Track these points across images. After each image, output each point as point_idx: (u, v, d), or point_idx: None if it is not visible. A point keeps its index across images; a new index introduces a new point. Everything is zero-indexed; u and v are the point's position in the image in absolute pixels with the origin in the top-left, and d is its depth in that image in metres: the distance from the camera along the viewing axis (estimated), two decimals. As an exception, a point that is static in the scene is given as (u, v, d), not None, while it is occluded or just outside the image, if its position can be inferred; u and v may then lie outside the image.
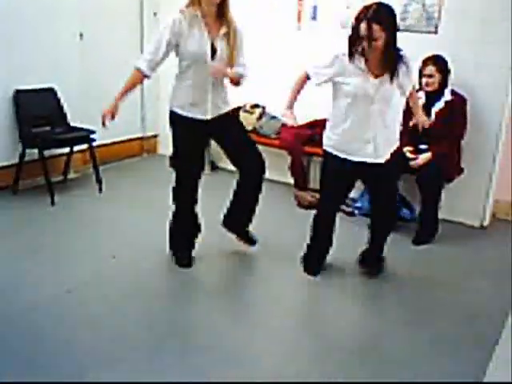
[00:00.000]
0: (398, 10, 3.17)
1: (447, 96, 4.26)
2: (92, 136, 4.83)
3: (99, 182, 4.99)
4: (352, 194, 4.28)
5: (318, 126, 4.94)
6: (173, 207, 3.63)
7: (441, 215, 4.41)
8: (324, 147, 3.45)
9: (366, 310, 3.35)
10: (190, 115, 3.40)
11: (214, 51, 3.29)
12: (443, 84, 4.26)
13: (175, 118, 3.46)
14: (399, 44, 3.16)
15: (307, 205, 4.82)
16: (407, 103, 3.52)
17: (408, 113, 3.62)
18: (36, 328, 2.89)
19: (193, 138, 3.48)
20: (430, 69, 4.21)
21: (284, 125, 5.06)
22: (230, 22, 3.32)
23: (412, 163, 4.21)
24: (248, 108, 5.36)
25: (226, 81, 3.46)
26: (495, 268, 3.97)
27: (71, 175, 5.28)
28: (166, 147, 4.57)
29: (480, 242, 4.46)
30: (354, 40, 3.10)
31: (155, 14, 5.83)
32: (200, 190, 3.64)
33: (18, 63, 4.70)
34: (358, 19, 3.05)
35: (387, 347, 2.94)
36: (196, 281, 3.56)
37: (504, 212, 4.90)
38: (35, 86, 4.79)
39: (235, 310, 3.25)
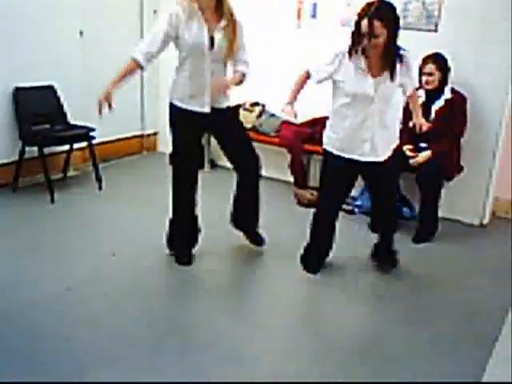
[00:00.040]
0: (398, 8, 3.16)
1: (447, 94, 4.26)
2: (92, 134, 4.82)
3: (99, 179, 4.99)
4: (352, 193, 4.28)
5: (318, 124, 4.94)
6: (172, 205, 3.63)
7: (441, 213, 4.41)
8: (324, 146, 3.46)
9: (366, 309, 3.35)
10: (188, 108, 3.40)
11: (212, 43, 3.29)
12: (443, 82, 4.26)
13: (175, 111, 3.46)
14: (399, 42, 3.16)
15: (307, 203, 4.81)
16: (407, 104, 3.53)
17: (408, 111, 3.62)
18: (36, 326, 2.89)
19: (191, 132, 3.49)
20: (430, 67, 4.21)
21: (284, 122, 5.06)
22: (230, 15, 3.30)
23: (412, 161, 4.21)
24: (248, 106, 5.35)
25: (227, 74, 3.47)
26: (495, 266, 3.97)
27: (71, 173, 5.28)
28: (166, 145, 4.57)
29: (480, 240, 4.46)
30: (356, 37, 3.10)
31: (155, 11, 5.81)
32: (200, 188, 3.64)
33: (19, 60, 4.69)
34: (360, 16, 3.06)
35: (387, 346, 2.94)
36: (196, 279, 3.56)
37: (504, 210, 4.90)
38: (35, 84, 4.79)
39: (235, 308, 3.25)
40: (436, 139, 4.17)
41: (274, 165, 5.44)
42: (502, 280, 3.73)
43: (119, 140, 5.92)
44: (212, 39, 3.28)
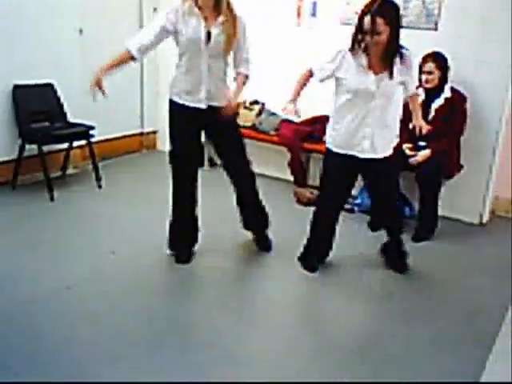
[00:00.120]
0: (398, 7, 3.17)
1: (447, 93, 4.26)
2: (91, 132, 4.82)
3: (98, 178, 4.98)
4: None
5: (318, 122, 4.95)
6: (172, 204, 3.62)
7: (440, 212, 4.41)
8: (326, 145, 3.47)
9: (366, 308, 3.35)
10: (186, 103, 3.40)
11: (209, 38, 3.28)
12: (443, 81, 4.25)
13: (174, 108, 3.47)
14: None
15: (306, 201, 4.81)
16: (407, 103, 3.53)
17: (408, 111, 3.62)
18: (35, 324, 2.89)
19: (190, 130, 3.50)
20: (430, 66, 4.20)
21: (283, 121, 5.05)
22: (229, 10, 3.30)
23: (411, 160, 4.21)
24: (247, 104, 5.35)
25: (227, 73, 3.47)
26: (495, 265, 3.97)
27: (70, 171, 5.28)
28: (166, 143, 4.56)
29: (479, 239, 4.46)
30: (358, 34, 3.11)
31: (155, 9, 5.80)
32: (199, 187, 3.63)
33: (19, 59, 4.69)
34: (363, 13, 3.08)
35: (387, 345, 2.94)
36: (195, 277, 3.56)
37: (503, 209, 4.90)
38: (34, 82, 4.78)
39: (235, 306, 3.25)
40: (436, 138, 4.17)
41: (273, 163, 5.44)
42: (502, 279, 3.73)
43: (119, 138, 5.91)
44: (209, 34, 3.28)
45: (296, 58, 4.90)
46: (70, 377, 2.52)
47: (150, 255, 3.72)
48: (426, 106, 4.17)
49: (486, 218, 4.74)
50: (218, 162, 5.71)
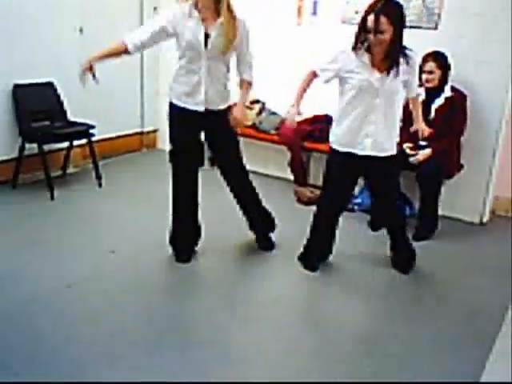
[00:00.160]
0: (399, 6, 3.17)
1: (447, 92, 4.26)
2: (91, 131, 4.82)
3: (99, 176, 4.98)
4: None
5: (318, 121, 4.95)
6: (172, 203, 3.62)
7: (440, 211, 4.41)
8: (330, 144, 3.47)
9: (366, 307, 3.35)
10: (185, 106, 3.41)
11: (207, 40, 3.29)
12: (443, 80, 4.25)
13: (174, 111, 3.48)
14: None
15: (307, 200, 4.81)
16: (407, 103, 3.53)
17: (408, 111, 3.62)
18: (35, 324, 2.89)
19: (189, 132, 3.50)
20: (430, 65, 4.20)
21: (284, 120, 5.05)
22: (229, 12, 3.29)
23: (412, 159, 4.21)
24: (248, 103, 5.34)
25: (228, 76, 3.47)
26: (495, 264, 3.97)
27: (71, 170, 5.28)
28: (166, 142, 4.56)
29: (479, 238, 4.47)
30: (361, 33, 3.11)
31: (155, 8, 5.81)
32: (199, 186, 3.63)
33: (19, 58, 4.68)
34: (367, 12, 3.09)
35: (387, 345, 2.94)
36: (196, 276, 3.56)
37: (504, 209, 4.90)
38: (34, 81, 4.78)
39: (235, 305, 3.25)
40: (436, 137, 4.17)
41: (273, 162, 5.44)
42: (502, 278, 3.73)
43: (119, 137, 5.91)
44: (207, 36, 3.28)
45: (297, 57, 4.91)
46: (69, 377, 2.52)
47: (150, 254, 3.72)
48: (426, 105, 4.17)
49: (486, 218, 4.74)
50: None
